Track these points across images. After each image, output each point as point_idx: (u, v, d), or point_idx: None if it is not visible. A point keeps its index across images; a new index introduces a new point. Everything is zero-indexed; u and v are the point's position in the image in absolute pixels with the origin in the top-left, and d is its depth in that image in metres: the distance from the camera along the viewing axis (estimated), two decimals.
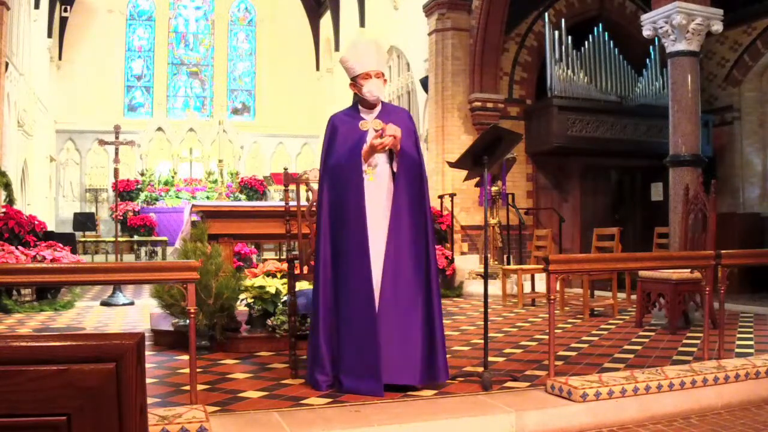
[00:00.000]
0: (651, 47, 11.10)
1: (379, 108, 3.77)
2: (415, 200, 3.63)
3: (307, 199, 4.11)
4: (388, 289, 3.51)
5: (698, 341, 5.02)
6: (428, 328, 3.58)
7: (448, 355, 4.44)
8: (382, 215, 3.58)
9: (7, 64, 10.99)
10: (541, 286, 8.21)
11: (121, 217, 15.48)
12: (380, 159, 3.65)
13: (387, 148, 3.57)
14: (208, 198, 17.06)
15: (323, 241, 3.59)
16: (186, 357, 4.27)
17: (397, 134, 3.55)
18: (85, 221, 15.40)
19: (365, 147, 3.60)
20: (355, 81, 3.72)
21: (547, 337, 3.75)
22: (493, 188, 9.21)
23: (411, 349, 3.51)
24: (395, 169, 3.63)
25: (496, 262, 9.31)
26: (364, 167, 3.60)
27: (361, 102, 3.79)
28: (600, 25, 11.30)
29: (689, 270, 5.59)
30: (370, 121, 3.72)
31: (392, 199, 3.60)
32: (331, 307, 3.56)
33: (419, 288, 3.57)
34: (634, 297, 6.81)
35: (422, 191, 3.67)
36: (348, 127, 3.70)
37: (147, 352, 4.46)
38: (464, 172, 4.10)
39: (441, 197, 10.52)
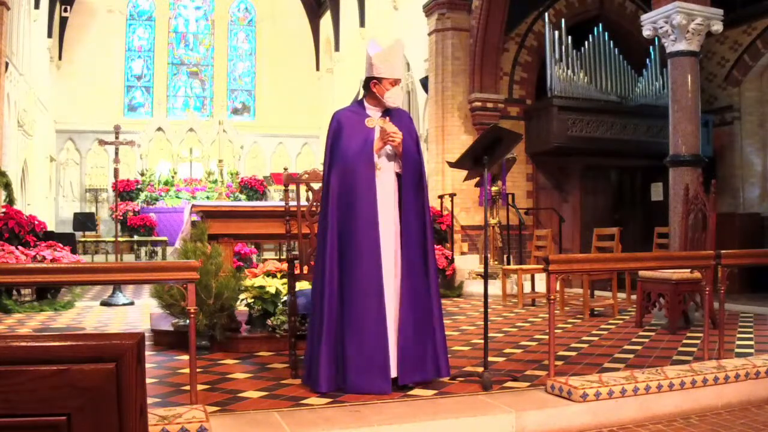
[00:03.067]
0: (651, 47, 11.10)
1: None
2: (418, 199, 3.67)
3: (307, 199, 4.11)
4: (406, 287, 3.54)
5: (698, 341, 5.02)
6: (428, 327, 3.59)
7: (448, 355, 4.46)
8: (389, 213, 3.60)
9: (7, 64, 10.99)
10: (541, 286, 8.21)
11: (121, 217, 15.49)
12: (385, 159, 3.66)
13: (396, 144, 3.59)
14: (208, 198, 17.06)
15: (330, 238, 3.56)
16: (186, 357, 4.27)
17: (400, 135, 3.60)
18: (85, 221, 15.40)
19: (376, 143, 3.62)
20: (380, 81, 3.72)
21: (547, 337, 3.75)
22: (493, 188, 9.21)
23: (426, 348, 3.55)
24: (399, 169, 3.66)
25: (496, 262, 9.31)
26: (376, 163, 3.61)
27: (370, 99, 3.79)
28: (600, 25, 11.30)
29: (689, 270, 5.59)
30: (376, 119, 3.74)
31: (400, 198, 3.63)
32: (337, 305, 3.55)
33: (421, 287, 3.59)
34: (634, 297, 6.81)
35: (423, 191, 3.71)
36: (354, 123, 3.71)
37: (147, 352, 4.46)
38: (464, 172, 4.10)
39: (441, 197, 10.52)
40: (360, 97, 3.95)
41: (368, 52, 3.79)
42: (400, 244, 3.58)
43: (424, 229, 3.65)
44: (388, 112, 3.79)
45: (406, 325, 3.52)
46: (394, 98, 3.73)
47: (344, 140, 3.66)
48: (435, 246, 9.52)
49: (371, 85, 3.76)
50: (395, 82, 3.73)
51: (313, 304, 3.67)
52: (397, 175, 3.67)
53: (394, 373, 3.50)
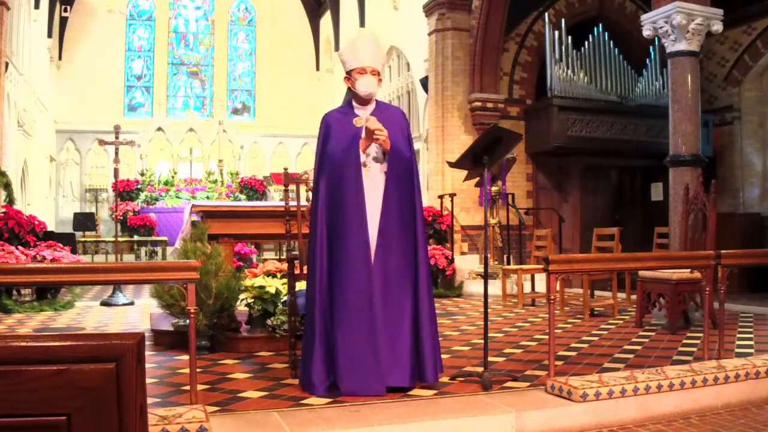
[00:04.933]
0: (651, 47, 11.10)
1: (373, 105, 3.77)
2: (405, 198, 3.61)
3: (307, 199, 4.11)
4: (378, 287, 3.49)
5: (698, 341, 5.02)
6: (416, 327, 3.54)
7: (448, 355, 4.46)
8: (376, 213, 3.57)
9: (7, 64, 10.98)
10: (541, 286, 8.21)
11: (121, 217, 15.49)
12: (373, 159, 3.64)
13: (382, 140, 3.55)
14: (208, 198, 17.06)
15: (320, 238, 3.56)
16: (186, 357, 4.27)
17: (385, 132, 3.54)
18: (85, 221, 15.40)
19: (362, 142, 3.59)
20: (350, 75, 3.71)
21: (547, 337, 3.75)
22: (493, 188, 9.21)
23: (399, 349, 3.47)
24: (386, 168, 3.62)
25: (496, 262, 9.31)
26: (363, 160, 3.59)
27: (354, 98, 3.79)
28: (600, 25, 11.30)
29: (689, 270, 5.59)
30: (363, 118, 3.71)
31: (383, 196, 3.58)
32: (327, 306, 3.53)
33: (408, 286, 3.54)
34: (634, 297, 6.81)
35: (413, 189, 3.65)
36: (342, 124, 3.69)
37: (147, 352, 4.45)
38: (464, 172, 4.10)
39: (441, 197, 10.52)
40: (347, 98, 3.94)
41: (338, 53, 3.79)
42: (376, 243, 3.52)
43: (410, 227, 3.60)
44: (378, 110, 3.76)
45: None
46: (366, 87, 3.67)
47: (332, 141, 3.64)
48: (436, 246, 9.53)
49: (345, 81, 3.76)
50: (362, 70, 3.66)
51: (306, 307, 3.65)
52: (386, 174, 3.63)
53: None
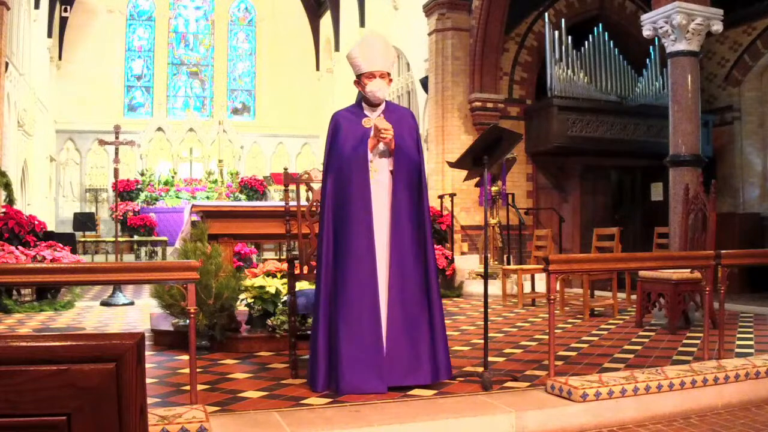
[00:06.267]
0: (651, 47, 11.10)
1: (383, 106, 3.78)
2: (413, 199, 3.63)
3: (307, 199, 4.11)
4: (395, 287, 3.51)
5: (698, 341, 5.02)
6: (431, 326, 3.58)
7: (449, 356, 4.46)
8: (383, 213, 3.58)
9: (7, 64, 10.98)
10: (541, 286, 8.21)
11: (121, 217, 15.48)
12: (381, 159, 3.65)
13: (390, 140, 3.57)
14: (208, 198, 17.05)
15: (326, 238, 3.58)
16: (186, 357, 4.27)
17: (392, 132, 3.56)
18: (85, 221, 15.40)
19: (370, 141, 3.60)
20: (359, 79, 3.72)
21: (547, 337, 3.75)
22: (493, 188, 9.21)
23: (420, 349, 3.51)
24: (392, 168, 3.64)
25: (496, 262, 9.30)
26: (370, 161, 3.60)
27: (364, 100, 3.79)
28: (600, 25, 11.30)
29: (689, 270, 5.59)
30: (373, 119, 3.72)
31: (391, 197, 3.60)
32: (330, 307, 3.55)
33: (422, 286, 3.58)
34: (634, 297, 6.81)
35: (420, 190, 3.67)
36: (351, 124, 3.70)
37: (147, 352, 4.45)
38: (464, 172, 4.10)
39: (441, 197, 10.51)
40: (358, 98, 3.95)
41: (347, 56, 3.80)
42: (390, 244, 3.55)
43: (420, 228, 3.61)
44: (388, 111, 3.77)
45: (393, 326, 3.49)
46: (375, 91, 3.68)
47: (341, 141, 3.66)
48: (437, 246, 9.53)
49: (356, 85, 3.77)
50: (371, 75, 3.66)
51: (314, 305, 3.68)
52: (394, 174, 3.65)
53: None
